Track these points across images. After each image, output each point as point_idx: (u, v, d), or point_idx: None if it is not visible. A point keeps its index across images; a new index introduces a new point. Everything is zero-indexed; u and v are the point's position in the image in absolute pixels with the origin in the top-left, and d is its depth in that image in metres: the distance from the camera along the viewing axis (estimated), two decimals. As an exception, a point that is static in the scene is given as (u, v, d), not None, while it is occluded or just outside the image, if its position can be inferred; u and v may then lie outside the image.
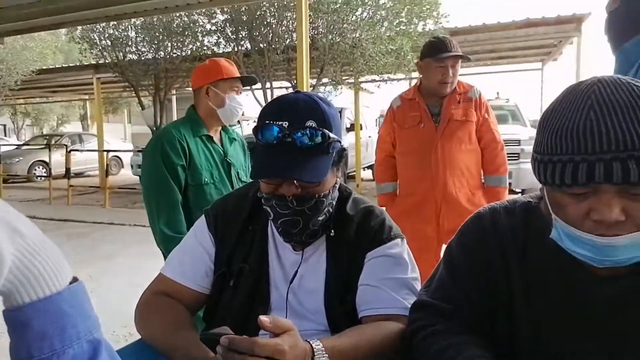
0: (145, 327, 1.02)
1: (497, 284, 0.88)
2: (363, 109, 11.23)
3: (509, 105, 8.54)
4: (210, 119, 1.96)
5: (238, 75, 1.96)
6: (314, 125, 0.93)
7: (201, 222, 1.14)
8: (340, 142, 0.99)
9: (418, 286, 1.06)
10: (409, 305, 0.98)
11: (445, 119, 2.37)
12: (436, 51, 2.32)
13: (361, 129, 9.65)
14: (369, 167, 11.35)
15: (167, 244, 1.74)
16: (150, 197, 1.85)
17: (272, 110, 0.97)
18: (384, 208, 1.21)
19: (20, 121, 25.15)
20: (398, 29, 7.13)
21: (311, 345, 0.81)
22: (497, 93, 9.34)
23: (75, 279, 0.39)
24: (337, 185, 1.06)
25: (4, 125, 26.05)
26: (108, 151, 8.88)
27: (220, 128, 2.04)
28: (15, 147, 14.36)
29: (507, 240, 0.88)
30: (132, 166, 11.04)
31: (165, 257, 1.75)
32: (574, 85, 0.73)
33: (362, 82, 9.31)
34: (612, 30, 1.47)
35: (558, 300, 0.83)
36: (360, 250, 1.05)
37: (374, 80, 9.04)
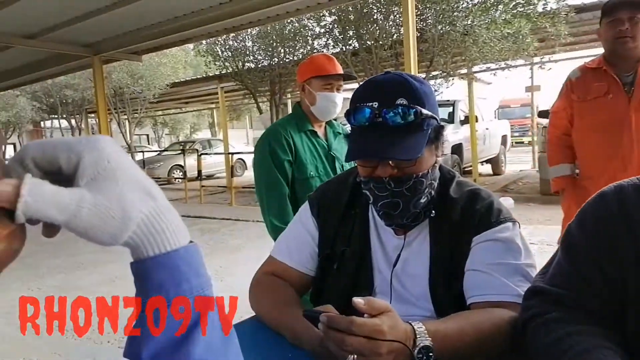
0: (257, 304, 1.09)
1: (625, 271, 0.77)
2: (479, 101, 10.63)
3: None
4: (311, 115, 1.99)
5: (332, 72, 1.92)
6: (404, 103, 0.91)
7: (305, 208, 1.18)
8: (436, 119, 0.96)
9: (534, 274, 0.97)
10: (522, 293, 0.90)
11: None
12: (606, 8, 2.11)
13: (477, 121, 9.13)
14: (487, 161, 10.71)
15: (276, 234, 1.81)
16: (261, 192, 1.95)
17: (362, 93, 0.97)
18: (491, 191, 1.12)
19: (160, 130, 28.58)
20: (515, 10, 6.61)
21: (412, 326, 0.78)
22: None
23: (191, 242, 0.43)
24: (437, 165, 1.02)
25: (147, 135, 29.70)
26: (233, 154, 9.71)
27: (324, 122, 2.06)
28: (157, 153, 16.12)
29: (636, 222, 0.77)
30: (254, 168, 11.75)
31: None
32: None
33: (476, 72, 8.83)
34: None
35: None
36: (466, 235, 1.00)
37: (488, 69, 8.51)
